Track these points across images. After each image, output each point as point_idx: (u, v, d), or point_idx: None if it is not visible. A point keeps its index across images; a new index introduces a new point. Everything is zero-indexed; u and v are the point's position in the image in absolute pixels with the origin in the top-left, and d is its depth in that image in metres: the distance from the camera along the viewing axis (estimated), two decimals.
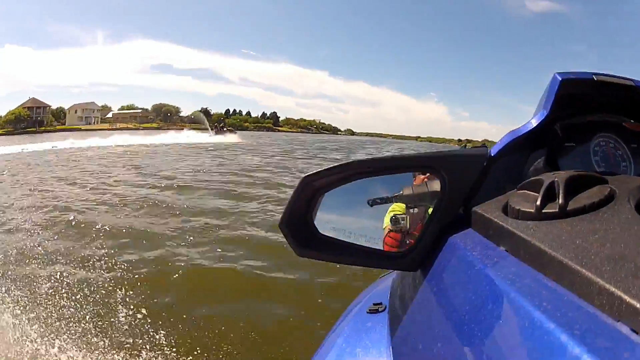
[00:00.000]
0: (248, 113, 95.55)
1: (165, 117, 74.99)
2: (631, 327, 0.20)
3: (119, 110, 73.98)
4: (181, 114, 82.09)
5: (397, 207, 0.51)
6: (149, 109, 77.14)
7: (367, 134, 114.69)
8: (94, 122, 65.83)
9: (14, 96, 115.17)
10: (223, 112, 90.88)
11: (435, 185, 0.48)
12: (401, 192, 0.51)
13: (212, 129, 41.16)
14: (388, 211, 0.51)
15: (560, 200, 0.34)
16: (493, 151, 0.49)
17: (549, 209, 0.34)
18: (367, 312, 0.72)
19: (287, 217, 0.47)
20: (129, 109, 74.60)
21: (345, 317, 0.80)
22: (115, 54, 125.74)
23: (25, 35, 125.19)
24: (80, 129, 54.79)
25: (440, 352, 0.34)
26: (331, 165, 0.47)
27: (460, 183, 0.45)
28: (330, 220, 0.50)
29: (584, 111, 0.53)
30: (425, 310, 0.42)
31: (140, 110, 74.52)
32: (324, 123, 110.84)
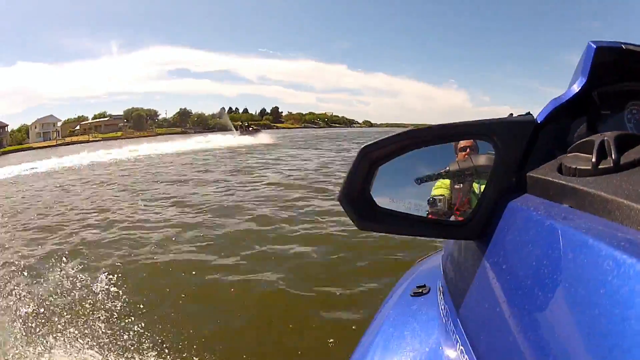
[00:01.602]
0: (245, 110, 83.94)
1: (137, 123, 62.42)
2: None
3: (92, 119, 70.00)
4: (161, 117, 77.93)
5: (442, 184, 0.55)
6: (122, 114, 72.65)
7: (387, 125, 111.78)
8: (54, 138, 61.52)
9: (31, 112, 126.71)
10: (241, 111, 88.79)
11: (481, 160, 0.53)
12: (447, 169, 0.54)
13: (236, 129, 40.28)
14: (433, 188, 0.55)
15: (614, 156, 0.38)
16: (539, 118, 0.53)
17: (603, 165, 0.38)
18: (411, 295, 0.75)
19: (346, 191, 0.50)
20: (100, 117, 70.29)
21: (388, 301, 0.83)
22: (131, 62, 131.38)
23: (36, 51, 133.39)
24: (31, 148, 51.23)
25: (520, 314, 0.35)
26: (388, 136, 0.51)
27: (513, 149, 0.49)
28: (386, 194, 0.53)
29: (616, 80, 0.57)
30: (494, 276, 0.44)
31: (107, 119, 70.21)
32: (337, 116, 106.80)
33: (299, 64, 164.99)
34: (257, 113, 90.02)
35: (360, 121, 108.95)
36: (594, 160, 0.38)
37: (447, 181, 0.54)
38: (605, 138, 0.39)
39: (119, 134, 63.09)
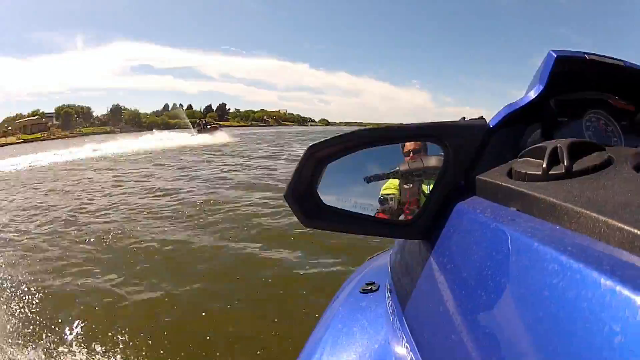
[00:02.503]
0: (189, 107, 79.59)
1: (65, 122, 57.07)
2: None
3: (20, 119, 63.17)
4: (95, 115, 72.68)
5: (391, 184, 0.55)
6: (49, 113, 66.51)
7: (346, 124, 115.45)
8: None
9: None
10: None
11: (431, 161, 0.53)
12: (397, 169, 0.55)
13: (194, 127, 37.74)
14: (382, 188, 0.55)
15: (566, 163, 0.38)
16: (492, 123, 0.54)
17: (554, 171, 0.38)
18: (360, 292, 0.76)
19: (293, 188, 0.50)
20: (34, 115, 63.94)
21: (338, 297, 0.84)
22: (96, 57, 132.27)
23: (5, 45, 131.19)
24: None
25: (464, 313, 0.36)
26: (337, 135, 0.50)
27: (463, 152, 0.50)
28: (333, 192, 0.54)
29: (576, 88, 0.59)
30: (439, 276, 0.44)
31: (35, 117, 63.53)
32: (291, 114, 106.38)
33: (261, 62, 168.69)
34: (202, 109, 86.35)
35: (317, 120, 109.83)
36: (544, 166, 0.38)
37: (396, 181, 0.54)
38: (559, 145, 0.39)
39: (45, 134, 57.69)
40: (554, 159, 0.38)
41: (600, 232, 0.27)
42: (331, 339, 0.63)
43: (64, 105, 67.55)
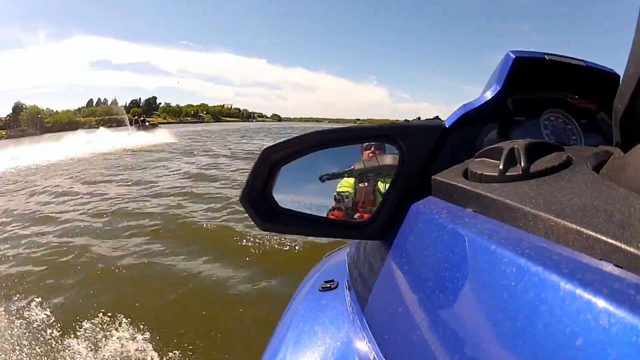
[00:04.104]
0: (114, 102, 74.31)
1: None
2: (615, 264, 0.23)
3: None
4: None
5: (346, 183, 0.55)
6: None
7: (301, 119, 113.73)
8: None
9: None
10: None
11: (386, 160, 0.54)
12: (352, 167, 0.55)
13: (132, 125, 32.95)
14: (337, 186, 0.56)
15: (523, 164, 0.37)
16: (447, 123, 0.54)
17: (511, 173, 0.38)
18: (320, 290, 0.76)
19: (248, 191, 0.49)
20: None
21: (297, 296, 0.84)
22: (57, 53, 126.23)
23: None
24: None
25: (423, 313, 0.36)
26: (291, 137, 0.50)
27: (418, 153, 0.50)
28: (288, 194, 0.53)
29: (535, 88, 0.60)
30: (397, 276, 0.44)
31: None
32: (237, 109, 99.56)
33: (219, 57, 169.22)
34: (127, 104, 78.58)
35: (269, 115, 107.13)
36: (501, 167, 0.38)
37: (352, 180, 0.55)
38: (516, 146, 0.39)
39: None
40: (511, 160, 0.38)
41: (557, 234, 0.27)
42: (294, 338, 0.63)
43: None
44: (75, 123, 60.20)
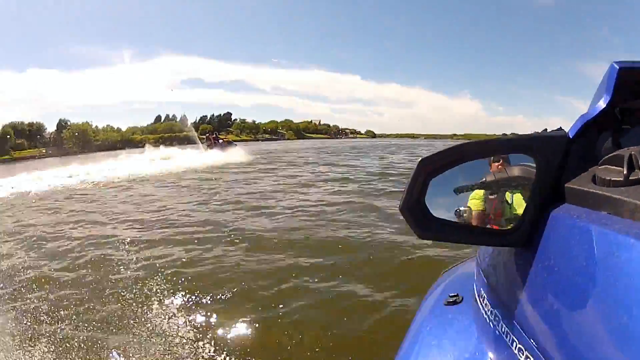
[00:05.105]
0: (183, 117, 69.92)
1: None
2: None
3: None
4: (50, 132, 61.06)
5: (477, 195, 0.59)
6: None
7: (397, 135, 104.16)
8: None
9: (47, 118, 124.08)
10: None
11: (515, 171, 0.57)
12: (483, 179, 0.58)
13: (203, 142, 30.86)
14: (469, 198, 0.59)
15: None
16: (571, 133, 0.57)
17: (634, 177, 0.42)
18: (445, 305, 0.78)
19: (407, 201, 0.53)
20: None
21: (420, 312, 0.86)
22: (144, 71, 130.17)
23: (47, 58, 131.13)
24: None
25: (578, 313, 0.39)
26: (444, 149, 0.54)
27: (551, 162, 0.53)
28: (435, 204, 0.56)
29: (637, 97, 0.61)
30: (548, 279, 0.46)
31: None
32: (327, 125, 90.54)
33: (311, 74, 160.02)
34: (197, 120, 70.13)
35: (363, 131, 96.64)
36: (625, 172, 0.42)
37: (482, 191, 0.58)
38: (633, 152, 0.43)
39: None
40: (631, 166, 0.43)
41: None
42: (422, 352, 0.65)
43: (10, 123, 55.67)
44: (127, 141, 57.76)
